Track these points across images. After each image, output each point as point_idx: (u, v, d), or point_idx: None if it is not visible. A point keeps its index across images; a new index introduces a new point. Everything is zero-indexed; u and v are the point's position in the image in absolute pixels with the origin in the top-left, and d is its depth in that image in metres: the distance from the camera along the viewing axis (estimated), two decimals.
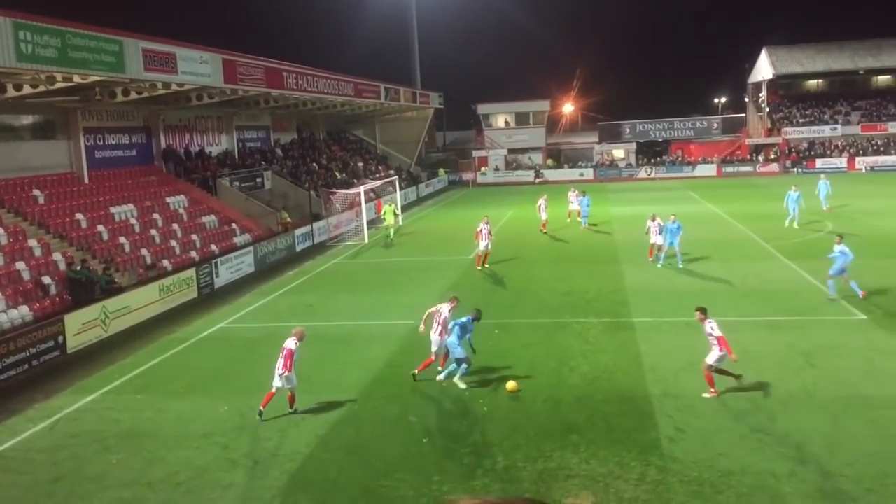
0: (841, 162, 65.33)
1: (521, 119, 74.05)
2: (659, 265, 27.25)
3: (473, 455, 12.63)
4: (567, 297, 23.34)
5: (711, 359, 14.61)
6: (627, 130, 72.69)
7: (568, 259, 29.80)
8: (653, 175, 67.53)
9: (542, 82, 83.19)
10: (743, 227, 35.63)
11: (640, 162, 70.27)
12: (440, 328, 16.30)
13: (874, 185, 52.86)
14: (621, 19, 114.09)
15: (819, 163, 65.46)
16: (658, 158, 70.64)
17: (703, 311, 15.06)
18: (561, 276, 26.50)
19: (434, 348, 16.44)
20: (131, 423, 14.91)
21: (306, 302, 24.85)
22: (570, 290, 24.10)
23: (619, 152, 72.03)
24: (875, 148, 66.60)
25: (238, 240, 32.31)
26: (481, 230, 28.54)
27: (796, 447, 12.29)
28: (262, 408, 14.62)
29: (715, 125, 73.28)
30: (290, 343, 14.73)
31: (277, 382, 14.55)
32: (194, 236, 30.34)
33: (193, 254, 29.03)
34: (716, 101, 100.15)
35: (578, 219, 38.31)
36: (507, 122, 74.71)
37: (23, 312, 20.38)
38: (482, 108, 74.21)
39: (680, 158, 69.99)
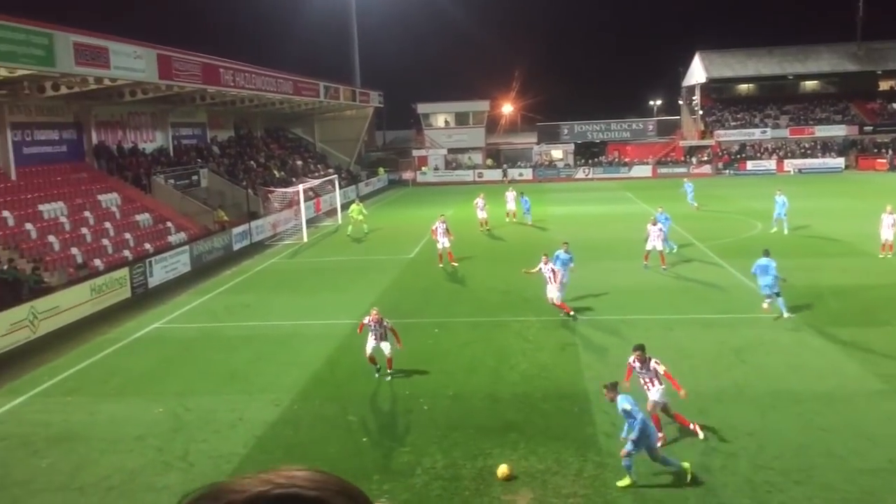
0: (770, 164, 67.27)
1: (461, 119, 74.31)
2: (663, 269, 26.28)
3: (413, 454, 12.65)
4: (505, 296, 23.53)
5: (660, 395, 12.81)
6: (566, 131, 73.59)
7: (506, 258, 29.99)
8: (590, 176, 68.49)
9: (482, 83, 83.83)
10: (677, 227, 36.37)
11: (578, 163, 71.20)
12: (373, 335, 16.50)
13: (802, 186, 54.61)
14: (560, 22, 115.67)
15: (749, 165, 67.30)
16: (595, 159, 71.67)
17: (640, 349, 13.20)
18: (499, 275, 26.68)
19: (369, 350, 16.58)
20: (62, 427, 14.50)
21: (244, 301, 24.52)
22: (508, 289, 24.30)
23: (557, 153, 72.84)
24: (803, 151, 68.77)
25: (173, 238, 31.67)
26: (436, 228, 28.63)
27: (727, 441, 12.63)
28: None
29: (650, 127, 74.70)
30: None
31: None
32: (127, 235, 29.64)
33: (127, 253, 28.35)
34: (651, 103, 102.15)
35: (514, 219, 39.36)
36: (446, 122, 74.88)
37: None
38: (422, 108, 74.24)
39: (617, 159, 71.14)
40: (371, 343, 16.35)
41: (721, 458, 11.99)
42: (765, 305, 20.02)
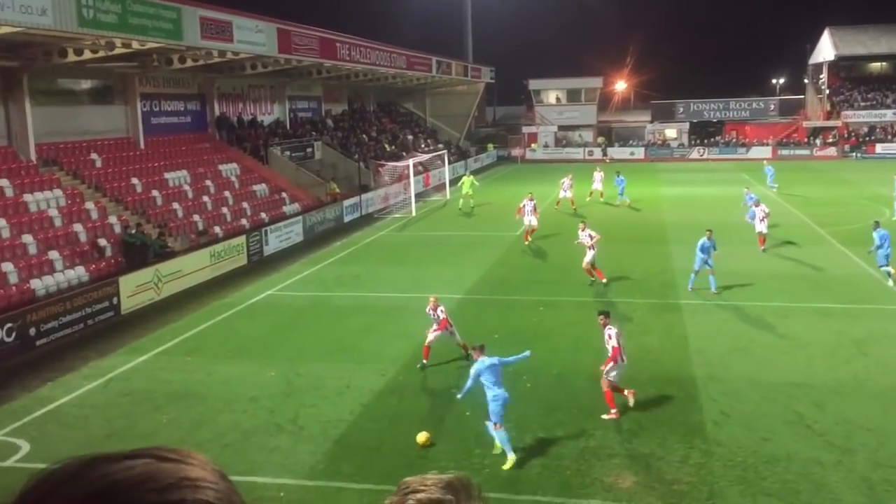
0: None
1: (573, 96, 73.22)
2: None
3: (515, 430, 12.66)
4: (614, 277, 23.16)
5: (607, 369, 13.26)
6: (681, 110, 71.41)
7: (615, 238, 29.46)
8: (705, 156, 66.34)
9: (595, 59, 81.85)
10: (797, 211, 34.90)
11: (693, 142, 69.06)
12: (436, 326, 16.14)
13: None
14: None
15: (879, 148, 63.62)
16: (712, 139, 69.33)
17: (605, 314, 14.01)
18: (608, 255, 26.23)
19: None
20: (181, 385, 15.27)
21: (353, 272, 25.09)
22: (617, 270, 23.91)
23: (671, 132, 70.85)
24: None
25: (287, 209, 32.66)
26: (524, 206, 28.91)
27: (844, 436, 12.12)
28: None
29: (772, 107, 71.60)
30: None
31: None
32: (245, 204, 30.75)
33: (244, 221, 29.44)
34: (773, 81, 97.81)
35: (600, 199, 38.35)
36: (558, 99, 73.96)
37: (79, 273, 20.93)
38: (534, 84, 73.53)
39: (734, 140, 68.60)
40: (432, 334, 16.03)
41: (837, 454, 11.51)
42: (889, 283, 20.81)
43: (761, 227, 26.14)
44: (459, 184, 38.87)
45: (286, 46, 31.67)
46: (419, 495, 1.13)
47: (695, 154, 67.07)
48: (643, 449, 11.83)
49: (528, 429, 12.71)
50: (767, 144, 66.60)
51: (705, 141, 69.02)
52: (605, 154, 67.17)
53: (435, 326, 16.03)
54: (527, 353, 13.10)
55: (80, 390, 15.27)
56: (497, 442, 11.73)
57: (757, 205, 26.86)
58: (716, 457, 11.52)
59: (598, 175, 39.46)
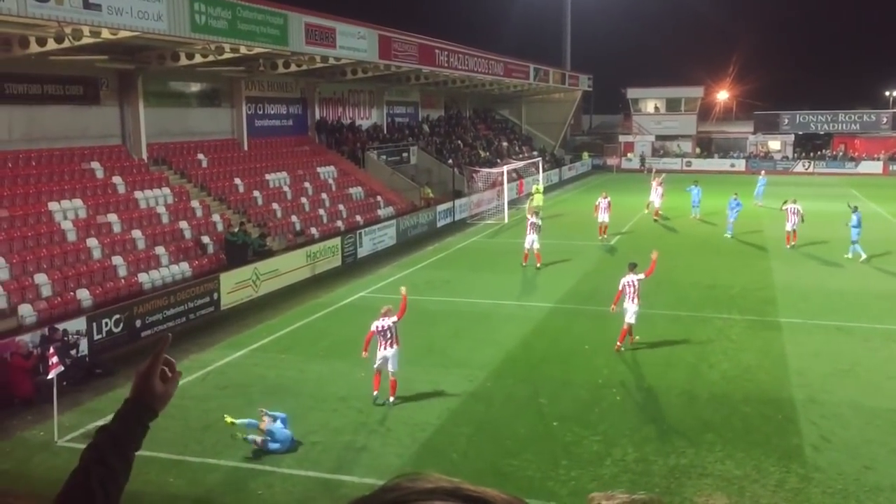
0: None
1: (672, 105, 71.73)
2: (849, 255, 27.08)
3: (603, 443, 12.52)
4: (710, 291, 22.58)
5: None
6: (786, 121, 68.96)
7: (712, 251, 28.77)
8: (811, 169, 63.89)
9: (697, 67, 79.86)
10: None
11: (798, 155, 66.61)
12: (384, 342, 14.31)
13: None
14: (784, 1, 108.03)
15: None
16: (818, 152, 66.70)
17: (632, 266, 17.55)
18: (704, 268, 25.66)
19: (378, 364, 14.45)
20: (275, 381, 15.69)
21: (444, 277, 25.24)
22: (713, 284, 23.30)
23: (775, 144, 68.52)
24: None
25: (382, 212, 33.16)
26: (599, 204, 30.83)
27: None
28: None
29: (884, 120, 68.29)
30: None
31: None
32: (341, 206, 31.38)
33: (339, 223, 30.05)
34: (886, 94, 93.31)
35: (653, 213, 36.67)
36: (656, 108, 72.59)
37: (183, 268, 21.80)
38: (632, 93, 72.37)
39: (842, 154, 65.85)
40: (380, 354, 14.23)
41: None
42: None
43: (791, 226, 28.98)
44: (529, 199, 37.81)
45: (386, 52, 32.19)
46: None
47: (799, 167, 64.70)
48: (736, 471, 11.48)
49: (617, 443, 12.51)
50: (878, 159, 63.66)
51: (811, 154, 66.48)
52: (642, 164, 65.78)
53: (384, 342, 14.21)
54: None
55: (181, 382, 15.81)
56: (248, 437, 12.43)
57: (794, 202, 29.20)
58: (814, 483, 11.08)
59: (658, 187, 36.84)
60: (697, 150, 70.02)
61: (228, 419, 12.76)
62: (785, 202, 29.72)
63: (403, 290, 15.12)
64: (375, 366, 14.30)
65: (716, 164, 66.22)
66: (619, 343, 17.10)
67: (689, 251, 29.05)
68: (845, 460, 11.77)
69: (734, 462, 11.74)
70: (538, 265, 25.77)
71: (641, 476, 11.40)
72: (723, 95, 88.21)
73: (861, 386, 14.94)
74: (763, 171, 46.80)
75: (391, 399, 14.24)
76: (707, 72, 77.63)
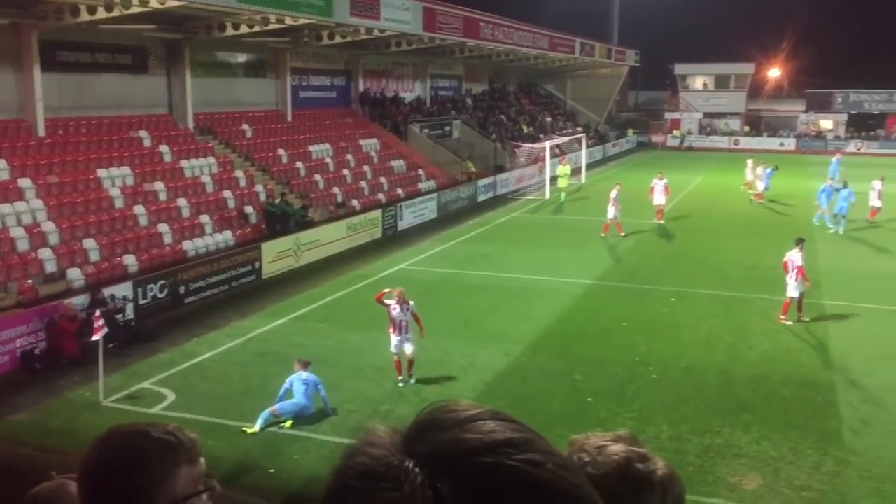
0: None
1: (721, 82, 70.36)
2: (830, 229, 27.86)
3: (637, 420, 12.50)
4: (752, 272, 22.24)
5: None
6: (839, 100, 67.25)
7: (756, 232, 28.30)
8: (863, 150, 62.29)
9: (748, 43, 77.66)
10: None
11: (851, 135, 64.97)
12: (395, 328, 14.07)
13: None
14: None
15: None
16: (872, 132, 64.98)
17: (799, 241, 17.94)
18: (747, 248, 25.27)
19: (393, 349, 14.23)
20: (314, 349, 15.88)
21: (484, 252, 25.26)
22: (755, 265, 22.94)
23: (827, 123, 66.92)
24: None
25: (423, 185, 33.20)
26: (654, 186, 29.79)
27: None
28: None
29: None
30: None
31: None
32: (383, 179, 31.50)
33: (381, 196, 30.18)
34: None
35: (750, 190, 36.05)
36: (705, 85, 71.28)
37: (226, 237, 22.13)
38: (680, 69, 71.08)
39: None
40: (394, 339, 14.02)
41: None
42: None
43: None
44: (557, 178, 36.88)
45: (431, 25, 32.07)
46: (614, 447, 1.21)
47: (851, 147, 63.06)
48: (772, 452, 11.39)
49: (652, 421, 12.49)
50: None
51: (863, 134, 64.79)
52: (682, 143, 64.86)
53: (398, 327, 13.96)
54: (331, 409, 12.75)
55: (222, 347, 16.20)
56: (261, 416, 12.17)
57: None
58: (851, 466, 10.95)
59: (756, 167, 36.36)
60: (746, 129, 68.71)
61: (248, 430, 12.21)
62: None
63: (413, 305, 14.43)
64: (393, 352, 14.09)
65: (765, 142, 64.86)
66: (782, 315, 17.53)
67: (732, 231, 28.64)
68: (885, 444, 11.60)
69: (770, 443, 11.64)
70: (622, 234, 27.19)
71: (675, 454, 11.35)
72: (774, 73, 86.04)
73: None
74: (838, 153, 44.50)
75: (410, 377, 14.07)
76: (758, 48, 75.72)
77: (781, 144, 64.20)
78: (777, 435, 11.90)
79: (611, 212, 27.28)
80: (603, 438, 1.28)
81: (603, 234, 27.32)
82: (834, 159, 40.03)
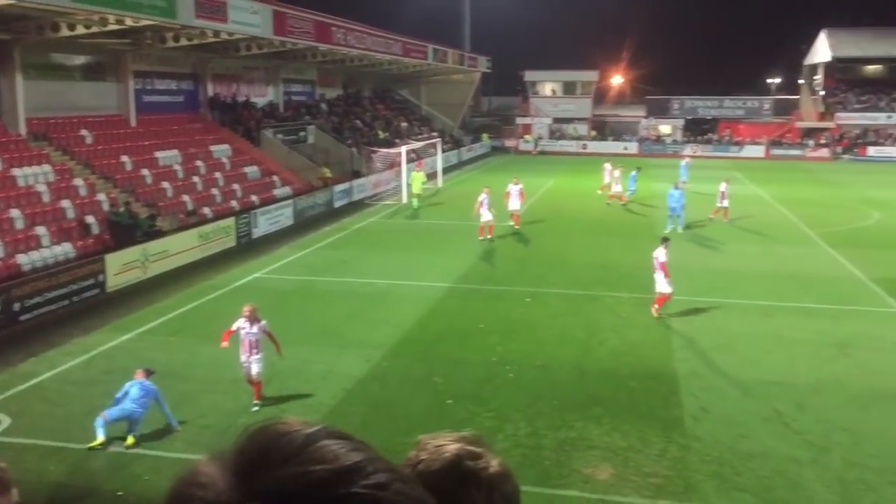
0: (894, 151, 63.61)
1: (569, 88, 73.18)
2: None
3: (496, 419, 12.75)
4: (601, 271, 23.23)
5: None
6: (676, 106, 71.47)
7: (604, 232, 29.59)
8: (698, 153, 66.25)
9: (592, 52, 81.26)
10: (787, 211, 35.05)
11: (687, 139, 69.13)
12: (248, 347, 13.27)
13: None
14: None
15: (871, 151, 63.85)
16: (705, 136, 69.42)
17: (664, 240, 19.14)
18: (596, 248, 26.38)
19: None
20: (164, 364, 15.19)
21: (341, 258, 25.07)
22: (604, 264, 23.98)
23: (665, 128, 70.94)
24: None
25: (278, 192, 32.58)
26: (509, 191, 29.81)
27: (822, 435, 12.22)
28: None
29: (766, 106, 71.70)
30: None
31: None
32: (235, 186, 30.65)
33: (234, 203, 29.35)
34: (768, 81, 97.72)
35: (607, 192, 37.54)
36: (553, 91, 73.88)
37: (66, 249, 20.86)
38: (529, 76, 73.41)
39: (728, 138, 68.72)
40: (242, 357, 13.21)
41: (813, 452, 11.61)
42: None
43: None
44: (409, 181, 36.87)
45: (281, 29, 31.54)
46: (450, 446, 1.21)
47: (688, 151, 67.09)
48: (622, 442, 11.90)
49: (510, 418, 12.76)
50: (760, 144, 66.75)
51: (699, 138, 69.10)
52: (535, 147, 67.70)
53: (247, 346, 13.18)
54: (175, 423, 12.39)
55: (63, 366, 15.25)
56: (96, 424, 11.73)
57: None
58: (693, 451, 11.61)
59: (609, 169, 37.72)
60: (593, 133, 71.72)
61: (94, 444, 11.64)
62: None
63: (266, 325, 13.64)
64: (242, 372, 13.32)
65: (611, 146, 67.94)
66: (656, 305, 18.56)
67: (582, 232, 29.79)
68: (722, 429, 12.37)
69: (620, 434, 12.16)
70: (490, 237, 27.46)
71: (532, 450, 11.68)
72: (617, 80, 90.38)
73: (739, 360, 15.70)
74: (687, 157, 47.23)
75: (255, 404, 13.22)
76: (602, 56, 79.42)
77: (625, 148, 67.41)
78: (626, 426, 12.44)
79: (486, 215, 27.22)
80: (446, 438, 1.31)
81: (480, 238, 27.41)
82: (683, 163, 42.48)
